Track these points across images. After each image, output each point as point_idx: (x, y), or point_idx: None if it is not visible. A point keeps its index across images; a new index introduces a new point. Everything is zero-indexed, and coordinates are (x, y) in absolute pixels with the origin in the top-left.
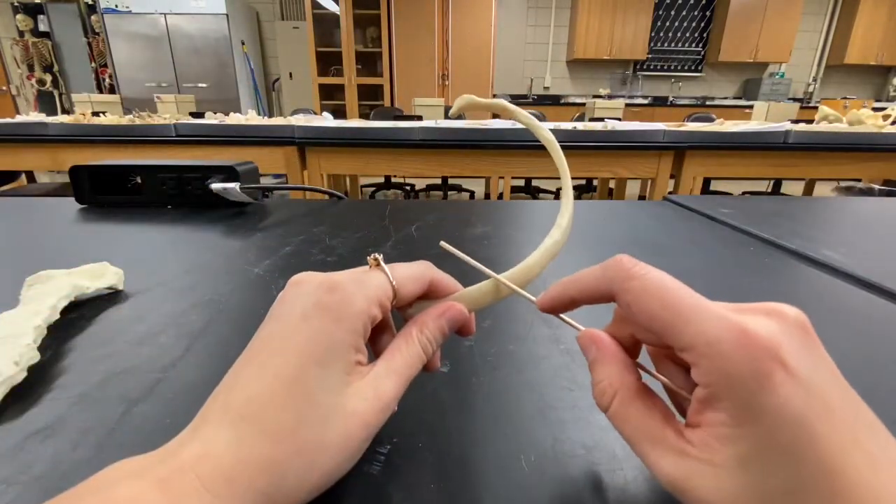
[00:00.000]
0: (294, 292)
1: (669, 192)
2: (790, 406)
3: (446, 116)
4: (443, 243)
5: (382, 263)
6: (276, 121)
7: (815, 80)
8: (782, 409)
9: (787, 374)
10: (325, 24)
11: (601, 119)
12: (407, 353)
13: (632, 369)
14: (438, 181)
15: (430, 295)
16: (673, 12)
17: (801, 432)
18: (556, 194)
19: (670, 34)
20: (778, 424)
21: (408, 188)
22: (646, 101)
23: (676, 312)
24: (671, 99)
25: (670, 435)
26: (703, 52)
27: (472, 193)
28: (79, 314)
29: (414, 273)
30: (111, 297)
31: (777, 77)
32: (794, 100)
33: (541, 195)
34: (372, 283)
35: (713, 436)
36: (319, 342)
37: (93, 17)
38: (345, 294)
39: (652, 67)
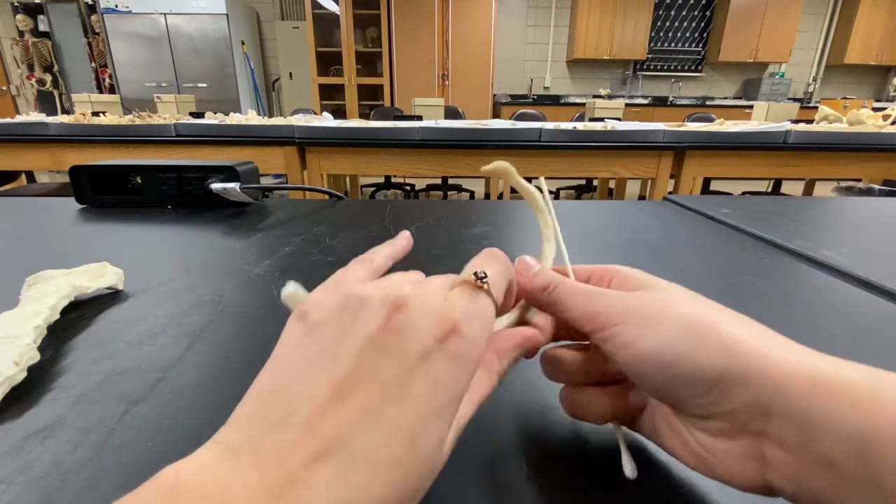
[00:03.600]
0: (405, 320)
1: (669, 192)
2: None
3: (446, 116)
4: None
5: (491, 288)
6: (276, 121)
7: (815, 80)
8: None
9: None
10: (325, 24)
11: (601, 119)
12: (487, 385)
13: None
14: (438, 181)
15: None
16: (673, 12)
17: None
18: (557, 194)
19: (670, 34)
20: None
21: (408, 188)
22: (646, 101)
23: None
24: (671, 99)
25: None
26: (703, 52)
27: (472, 193)
28: (79, 314)
29: (506, 287)
30: (111, 297)
31: (777, 77)
32: (794, 100)
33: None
34: (487, 316)
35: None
36: (442, 391)
37: (93, 17)
38: (469, 337)
39: (652, 67)
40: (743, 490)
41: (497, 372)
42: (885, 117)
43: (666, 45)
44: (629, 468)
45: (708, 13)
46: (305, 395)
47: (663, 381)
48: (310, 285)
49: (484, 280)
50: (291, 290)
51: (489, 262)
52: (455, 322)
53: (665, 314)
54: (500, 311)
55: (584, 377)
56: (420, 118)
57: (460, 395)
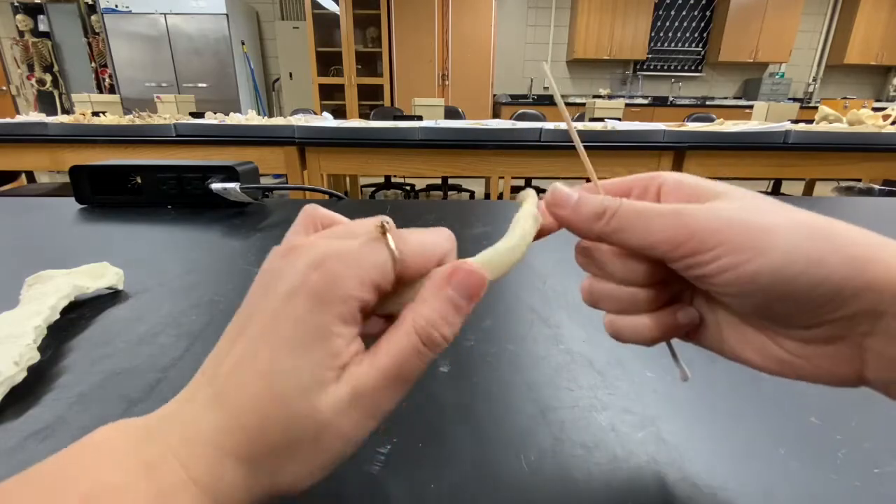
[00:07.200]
0: (286, 264)
1: None
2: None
3: (446, 116)
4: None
5: (389, 235)
6: (276, 121)
7: (815, 80)
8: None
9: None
10: (325, 24)
11: (601, 119)
12: (396, 346)
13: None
14: (438, 181)
15: None
16: (673, 12)
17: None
18: None
19: (670, 34)
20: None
21: (408, 188)
22: (646, 101)
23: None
24: (671, 99)
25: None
26: (703, 52)
27: (472, 193)
28: (79, 314)
29: (426, 244)
30: (111, 297)
31: (777, 77)
32: (794, 100)
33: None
34: (368, 261)
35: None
36: (299, 327)
37: (93, 17)
38: (331, 273)
39: (652, 67)
40: (830, 385)
41: (414, 326)
42: (885, 117)
43: (666, 45)
44: (683, 374)
45: (708, 13)
46: (226, 339)
47: (773, 298)
48: None
49: (384, 225)
50: None
51: (428, 231)
52: (322, 258)
53: (777, 226)
54: (415, 275)
55: (629, 308)
56: (420, 118)
57: (318, 333)
